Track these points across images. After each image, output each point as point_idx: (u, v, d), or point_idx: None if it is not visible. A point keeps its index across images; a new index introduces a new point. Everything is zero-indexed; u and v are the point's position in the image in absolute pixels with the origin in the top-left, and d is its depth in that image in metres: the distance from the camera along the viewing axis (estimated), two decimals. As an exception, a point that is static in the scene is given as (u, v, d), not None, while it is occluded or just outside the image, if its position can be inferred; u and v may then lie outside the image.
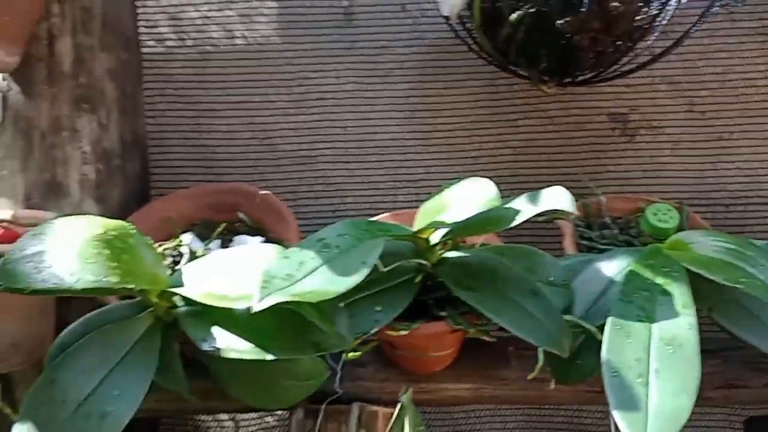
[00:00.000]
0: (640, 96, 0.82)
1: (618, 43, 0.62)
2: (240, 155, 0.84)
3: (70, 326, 0.56)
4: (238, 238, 0.68)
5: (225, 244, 0.69)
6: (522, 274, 0.57)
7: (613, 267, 0.58)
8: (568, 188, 0.82)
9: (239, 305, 0.48)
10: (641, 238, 0.67)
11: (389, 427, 0.58)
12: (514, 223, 0.51)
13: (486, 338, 0.58)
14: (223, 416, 0.90)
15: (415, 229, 0.56)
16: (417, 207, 0.84)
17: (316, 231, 0.75)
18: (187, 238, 0.67)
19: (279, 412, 0.90)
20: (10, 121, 0.65)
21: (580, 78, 0.69)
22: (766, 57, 0.79)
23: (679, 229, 0.67)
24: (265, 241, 0.68)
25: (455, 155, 0.84)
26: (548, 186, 0.83)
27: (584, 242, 0.68)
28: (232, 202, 0.72)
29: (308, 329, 0.51)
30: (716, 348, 0.68)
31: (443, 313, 0.58)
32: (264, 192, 0.72)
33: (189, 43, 0.84)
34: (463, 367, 0.68)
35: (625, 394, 0.47)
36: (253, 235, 0.69)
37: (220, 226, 0.68)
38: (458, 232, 0.55)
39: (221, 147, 0.84)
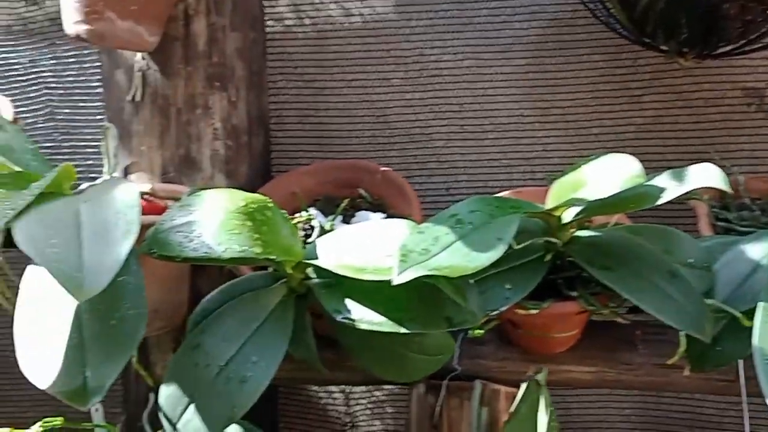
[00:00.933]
0: (780, 69, 0.76)
1: (770, 10, 0.58)
2: (355, 132, 0.85)
3: (210, 294, 0.59)
4: (359, 214, 0.69)
5: (346, 220, 0.70)
6: (660, 255, 0.55)
7: (759, 249, 0.55)
8: (696, 167, 0.79)
9: (377, 277, 0.49)
10: (786, 220, 0.63)
11: (514, 405, 0.57)
12: (660, 202, 0.49)
13: (619, 320, 0.57)
14: (334, 388, 0.92)
15: (548, 206, 0.55)
16: (532, 185, 0.83)
17: (428, 208, 0.76)
18: (312, 213, 0.68)
19: (388, 387, 0.91)
20: (148, 99, 0.69)
21: (722, 50, 0.65)
22: None
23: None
24: (386, 217, 0.68)
25: (575, 132, 0.82)
26: (675, 166, 0.80)
27: (721, 224, 0.65)
28: (353, 178, 0.73)
29: (441, 304, 0.51)
30: None
31: (574, 293, 0.57)
32: (385, 168, 0.73)
33: (307, 21, 0.85)
34: (586, 349, 0.66)
35: (781, 382, 0.45)
36: (373, 211, 0.70)
37: (344, 201, 0.69)
38: (596, 210, 0.54)
39: (337, 124, 0.86)
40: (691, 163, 0.79)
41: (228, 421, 0.52)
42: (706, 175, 0.49)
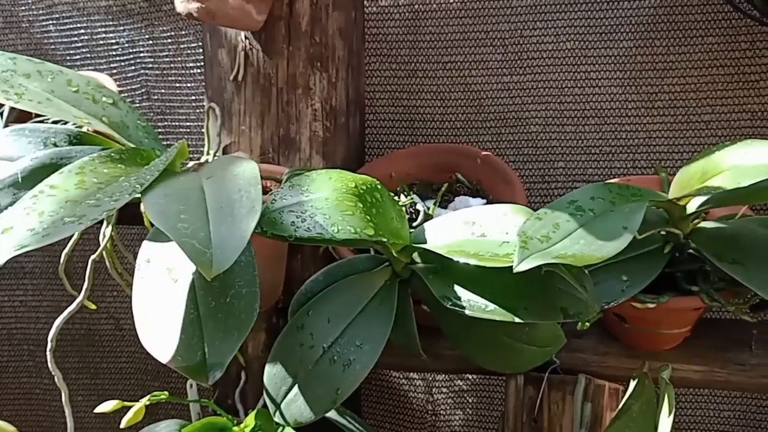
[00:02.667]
0: None
1: None
2: (448, 116, 0.83)
3: (314, 276, 0.58)
4: (458, 199, 0.68)
5: (443, 205, 0.68)
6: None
7: None
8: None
9: (494, 264, 0.47)
10: None
11: (622, 402, 0.55)
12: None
13: (747, 318, 0.53)
14: (415, 375, 0.91)
15: (672, 195, 0.52)
16: (635, 174, 0.79)
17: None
18: (414, 196, 0.67)
19: (471, 377, 0.90)
20: (250, 78, 0.69)
21: None
22: None
23: None
24: (487, 203, 0.66)
25: (683, 119, 0.77)
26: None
27: None
28: (451, 162, 0.71)
29: (554, 294, 0.49)
30: None
31: (695, 288, 0.54)
32: (486, 153, 0.71)
33: (402, 2, 0.83)
34: (695, 347, 0.63)
35: None
36: (473, 196, 0.68)
37: (443, 186, 0.68)
38: (730, 200, 0.51)
39: (430, 107, 0.84)
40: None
41: (331, 404, 0.52)
42: None
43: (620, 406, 0.55)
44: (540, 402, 0.61)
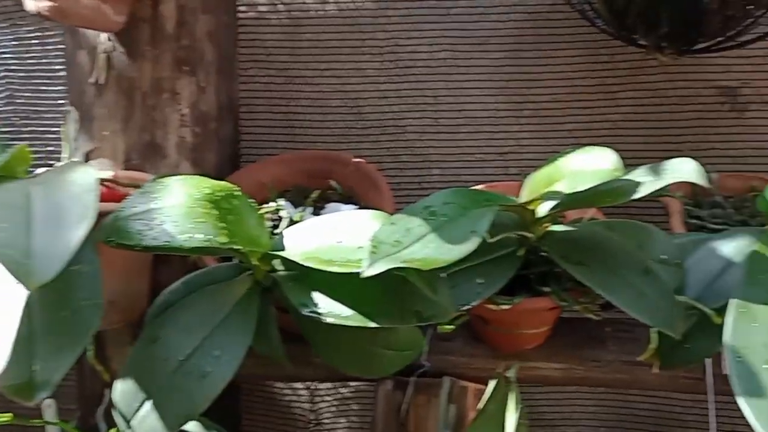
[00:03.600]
0: (753, 69, 0.76)
1: (749, 7, 0.58)
2: (327, 123, 0.83)
3: (172, 286, 0.57)
4: (330, 206, 0.68)
5: (316, 212, 0.68)
6: (633, 251, 0.54)
7: (732, 247, 0.55)
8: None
9: (345, 270, 0.47)
10: (758, 218, 0.63)
11: (482, 402, 0.56)
12: (636, 196, 0.48)
13: (592, 316, 0.56)
14: (299, 385, 0.90)
15: (522, 200, 0.54)
16: (506, 180, 0.82)
17: (401, 202, 0.75)
18: (280, 203, 0.66)
19: (354, 384, 0.90)
20: (113, 81, 0.66)
21: (701, 46, 0.64)
22: None
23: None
24: (358, 210, 0.67)
25: (550, 128, 0.81)
26: (648, 162, 0.80)
27: (693, 221, 0.64)
28: (324, 168, 0.71)
29: (410, 298, 0.50)
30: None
31: (547, 289, 0.56)
32: (358, 159, 0.71)
33: (281, 8, 0.83)
34: (555, 346, 0.66)
35: (751, 380, 0.44)
36: (345, 203, 0.68)
37: (314, 193, 0.68)
38: (571, 204, 0.53)
39: (309, 114, 0.84)
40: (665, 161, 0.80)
41: (186, 418, 0.50)
42: (683, 170, 0.48)
43: (479, 407, 0.56)
44: (407, 406, 0.61)
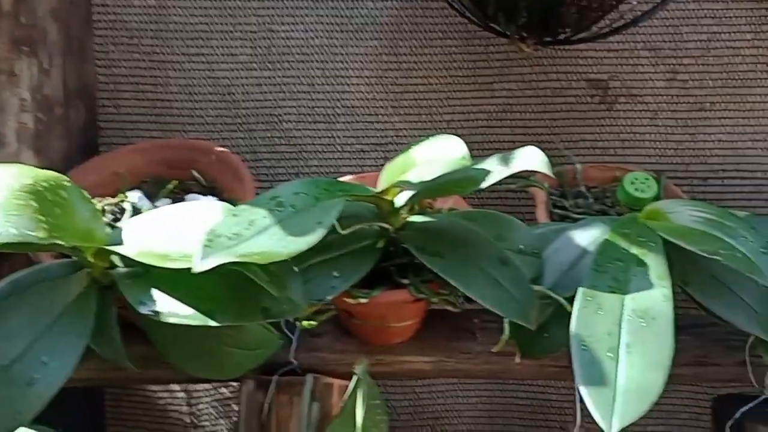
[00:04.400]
0: (621, 62, 0.78)
1: (602, -3, 0.59)
2: (198, 111, 0.79)
3: (-3, 286, 0.51)
4: (190, 197, 0.64)
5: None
6: (491, 242, 0.54)
7: (587, 236, 0.55)
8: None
9: (181, 265, 0.44)
10: (617, 207, 0.64)
11: (343, 400, 0.55)
12: (485, 185, 0.47)
13: (450, 308, 0.55)
14: (176, 387, 0.86)
15: (376, 189, 0.52)
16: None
17: (277, 194, 0.72)
18: (134, 195, 0.62)
19: (235, 384, 0.86)
20: (-60, 61, 0.60)
21: (561, 37, 0.65)
22: (753, 25, 0.76)
23: (656, 199, 0.64)
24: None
25: (427, 118, 0.80)
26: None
27: (558, 211, 0.65)
28: (186, 158, 0.67)
29: (258, 294, 0.47)
30: (687, 324, 0.66)
31: (405, 281, 0.54)
32: (220, 149, 0.67)
33: (145, -12, 0.78)
34: (426, 339, 0.65)
35: (593, 369, 0.44)
36: (207, 194, 0.65)
37: (170, 184, 0.64)
38: (424, 194, 0.52)
39: (178, 102, 0.79)
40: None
41: (6, 430, 0.45)
42: (529, 158, 0.48)
43: (342, 404, 0.54)
44: (269, 406, 0.59)
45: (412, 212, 0.57)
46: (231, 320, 0.46)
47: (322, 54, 0.79)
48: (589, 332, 0.46)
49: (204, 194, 0.64)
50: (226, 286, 0.47)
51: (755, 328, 0.53)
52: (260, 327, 0.53)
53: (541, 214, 0.63)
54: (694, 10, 0.76)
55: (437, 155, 0.49)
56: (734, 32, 0.76)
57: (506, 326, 0.53)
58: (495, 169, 0.48)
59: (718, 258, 0.48)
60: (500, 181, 0.76)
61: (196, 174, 0.67)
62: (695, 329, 0.66)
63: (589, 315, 0.47)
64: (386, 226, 0.54)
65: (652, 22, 0.77)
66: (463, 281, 0.50)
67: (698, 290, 0.54)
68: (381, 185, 0.52)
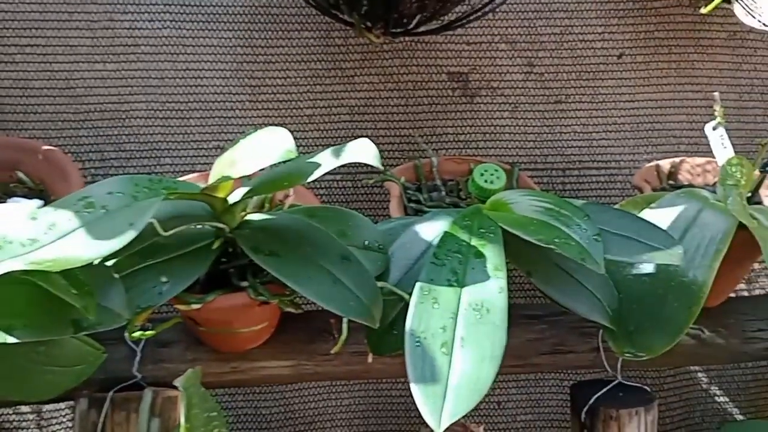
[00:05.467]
0: (480, 55, 0.78)
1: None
2: (35, 107, 0.73)
3: None
4: (12, 201, 0.58)
5: (-1, 209, 0.58)
6: (332, 238, 0.51)
7: (433, 229, 0.54)
8: (406, 150, 0.79)
9: (-36, 277, 0.39)
10: (469, 200, 0.64)
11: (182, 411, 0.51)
12: (313, 177, 0.45)
13: (292, 310, 0.52)
14: (26, 408, 0.79)
15: (203, 186, 0.48)
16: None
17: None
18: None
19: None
20: None
21: (410, 27, 0.64)
22: (603, 18, 0.78)
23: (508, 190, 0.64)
24: (44, 205, 0.58)
25: (287, 113, 0.77)
26: (386, 149, 0.80)
27: (412, 205, 0.64)
28: (10, 158, 0.61)
29: (67, 306, 0.42)
30: (544, 313, 0.67)
31: (244, 283, 0.51)
32: (48, 147, 0.62)
33: (-33, -28, 0.70)
34: (282, 343, 0.62)
35: (425, 365, 0.43)
36: (33, 197, 0.59)
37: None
38: (260, 189, 0.49)
39: (12, 97, 0.72)
40: (401, 145, 0.80)
41: None
42: (359, 151, 0.46)
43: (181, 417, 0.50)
44: (103, 426, 0.54)
45: (255, 209, 0.54)
46: (33, 336, 0.41)
47: (172, 46, 0.74)
48: (424, 327, 0.45)
49: (29, 197, 0.58)
50: (30, 298, 0.42)
51: (597, 315, 0.54)
52: (77, 341, 0.48)
53: (395, 209, 0.62)
54: (547, 3, 0.78)
55: (263, 148, 0.47)
56: (586, 25, 0.78)
57: (344, 326, 0.51)
58: (326, 162, 0.46)
59: (552, 247, 0.48)
60: (356, 175, 0.75)
61: (21, 175, 0.60)
62: (551, 317, 0.67)
63: (425, 310, 0.46)
64: (221, 225, 0.50)
65: (508, 15, 0.78)
66: (299, 281, 0.47)
67: (542, 280, 0.54)
68: (210, 181, 0.49)
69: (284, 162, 0.45)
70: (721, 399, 0.86)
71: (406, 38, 0.76)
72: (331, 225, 0.53)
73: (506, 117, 0.79)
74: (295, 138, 0.77)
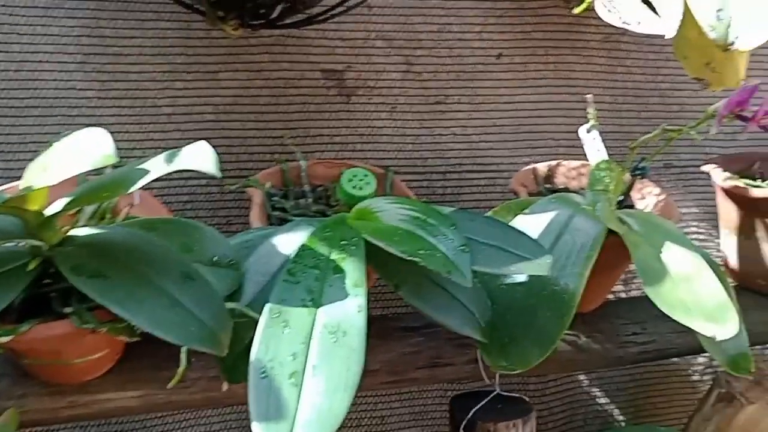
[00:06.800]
0: (356, 52, 0.74)
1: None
2: None
3: None
4: None
5: None
6: (174, 254, 0.45)
7: (293, 241, 0.49)
8: (278, 152, 0.73)
9: None
10: (338, 207, 0.59)
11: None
12: (137, 186, 0.39)
13: (125, 338, 0.46)
14: None
15: (10, 196, 0.41)
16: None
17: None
18: None
19: None
20: None
21: (272, 18, 0.58)
22: (481, 17, 0.76)
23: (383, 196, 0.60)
24: None
25: (143, 111, 0.70)
26: (256, 150, 0.74)
27: (277, 213, 0.58)
28: None
29: None
30: (420, 325, 0.63)
31: (68, 309, 0.44)
32: None
33: None
34: (128, 371, 0.55)
35: (270, 400, 0.38)
36: None
37: None
38: (78, 201, 0.42)
39: None
40: (272, 147, 0.74)
41: None
42: (196, 156, 0.40)
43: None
44: None
45: (86, 223, 0.47)
46: None
47: (3, 34, 0.65)
48: (271, 355, 0.40)
49: None
50: None
51: (469, 329, 0.51)
52: None
53: (256, 217, 0.56)
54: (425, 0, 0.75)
55: (78, 152, 0.40)
56: (463, 24, 0.76)
57: (182, 356, 0.45)
58: (156, 168, 0.40)
59: (417, 260, 0.44)
60: (222, 180, 0.68)
61: None
62: (428, 329, 0.63)
63: (274, 335, 0.41)
64: (37, 243, 0.43)
65: (384, 11, 0.74)
66: (127, 305, 0.41)
67: (411, 293, 0.50)
68: (19, 191, 0.41)
69: (107, 167, 0.39)
70: (602, 401, 0.87)
71: (275, 32, 0.71)
72: (174, 239, 0.47)
73: (384, 118, 0.76)
74: (152, 139, 0.70)
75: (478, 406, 0.63)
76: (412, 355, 0.62)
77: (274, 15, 0.58)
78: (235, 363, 0.48)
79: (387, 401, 0.80)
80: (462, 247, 0.46)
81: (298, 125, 0.73)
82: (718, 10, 0.47)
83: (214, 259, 0.47)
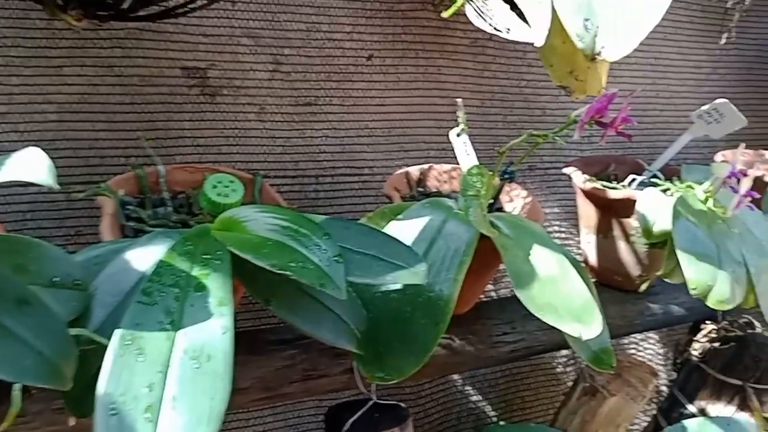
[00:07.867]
0: (220, 50, 0.70)
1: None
2: None
3: None
4: None
5: None
6: (8, 276, 0.39)
7: (149, 256, 0.44)
8: (135, 156, 0.67)
9: None
10: (201, 217, 0.55)
11: None
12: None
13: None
14: None
15: None
16: None
17: None
18: None
19: None
20: None
21: (123, 8, 0.53)
22: (351, 17, 0.74)
23: (251, 204, 0.56)
24: None
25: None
26: (109, 155, 0.67)
27: (132, 224, 0.53)
28: None
29: None
30: (294, 336, 0.60)
31: None
32: None
33: None
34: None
35: (123, 442, 0.33)
36: None
37: None
38: None
39: None
40: (126, 150, 0.68)
41: None
42: (25, 164, 0.35)
43: None
44: None
45: None
46: None
47: None
48: (123, 389, 0.35)
49: None
50: None
51: (344, 341, 0.48)
52: None
53: (107, 229, 0.51)
54: (290, -3, 0.72)
55: None
56: (333, 23, 0.74)
57: (15, 393, 0.39)
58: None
59: (288, 273, 0.41)
60: (68, 187, 0.61)
61: None
62: (302, 340, 0.61)
63: (126, 365, 0.36)
64: None
65: (250, 7, 0.70)
66: (-56, 341, 0.35)
67: (283, 307, 0.47)
68: None
69: None
70: (475, 398, 0.88)
71: (129, 25, 0.65)
72: (5, 259, 0.40)
73: (252, 119, 0.72)
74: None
75: (355, 417, 0.61)
76: (285, 369, 0.59)
77: (125, 6, 0.53)
78: (83, 394, 0.42)
79: (260, 416, 0.76)
80: (336, 258, 0.44)
81: (157, 126, 0.68)
82: (586, 20, 0.48)
83: (55, 279, 0.42)
